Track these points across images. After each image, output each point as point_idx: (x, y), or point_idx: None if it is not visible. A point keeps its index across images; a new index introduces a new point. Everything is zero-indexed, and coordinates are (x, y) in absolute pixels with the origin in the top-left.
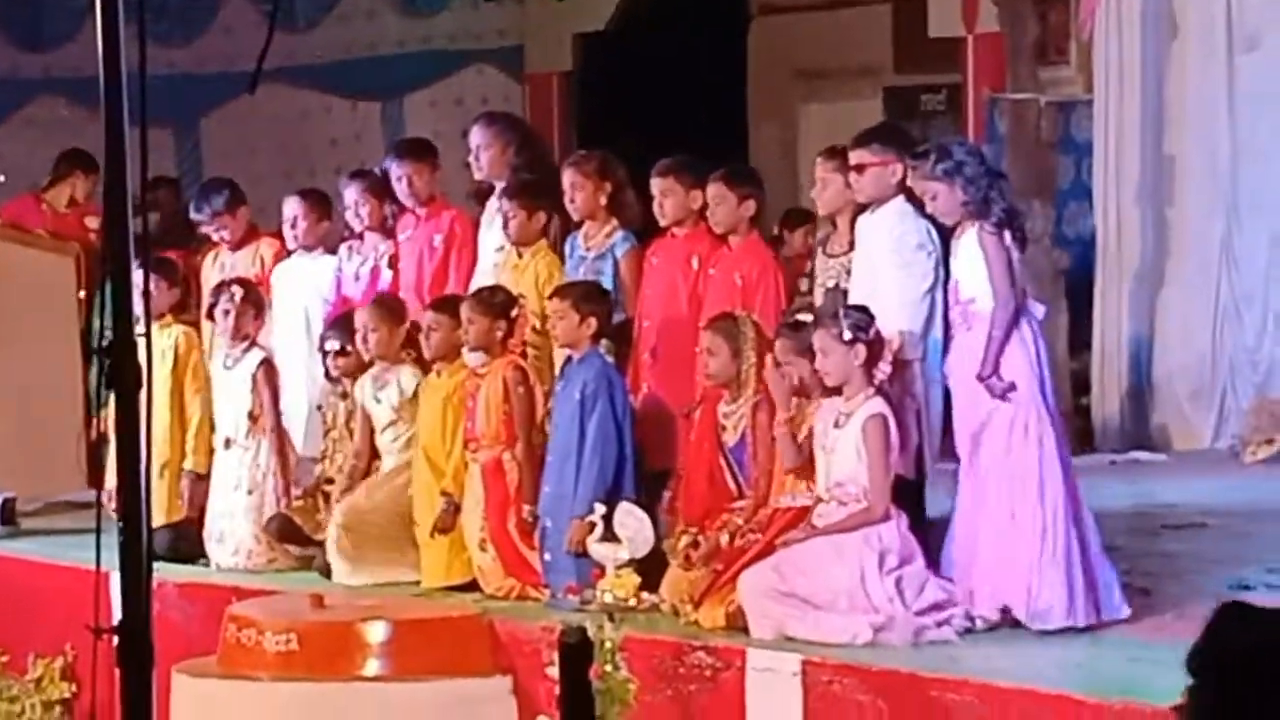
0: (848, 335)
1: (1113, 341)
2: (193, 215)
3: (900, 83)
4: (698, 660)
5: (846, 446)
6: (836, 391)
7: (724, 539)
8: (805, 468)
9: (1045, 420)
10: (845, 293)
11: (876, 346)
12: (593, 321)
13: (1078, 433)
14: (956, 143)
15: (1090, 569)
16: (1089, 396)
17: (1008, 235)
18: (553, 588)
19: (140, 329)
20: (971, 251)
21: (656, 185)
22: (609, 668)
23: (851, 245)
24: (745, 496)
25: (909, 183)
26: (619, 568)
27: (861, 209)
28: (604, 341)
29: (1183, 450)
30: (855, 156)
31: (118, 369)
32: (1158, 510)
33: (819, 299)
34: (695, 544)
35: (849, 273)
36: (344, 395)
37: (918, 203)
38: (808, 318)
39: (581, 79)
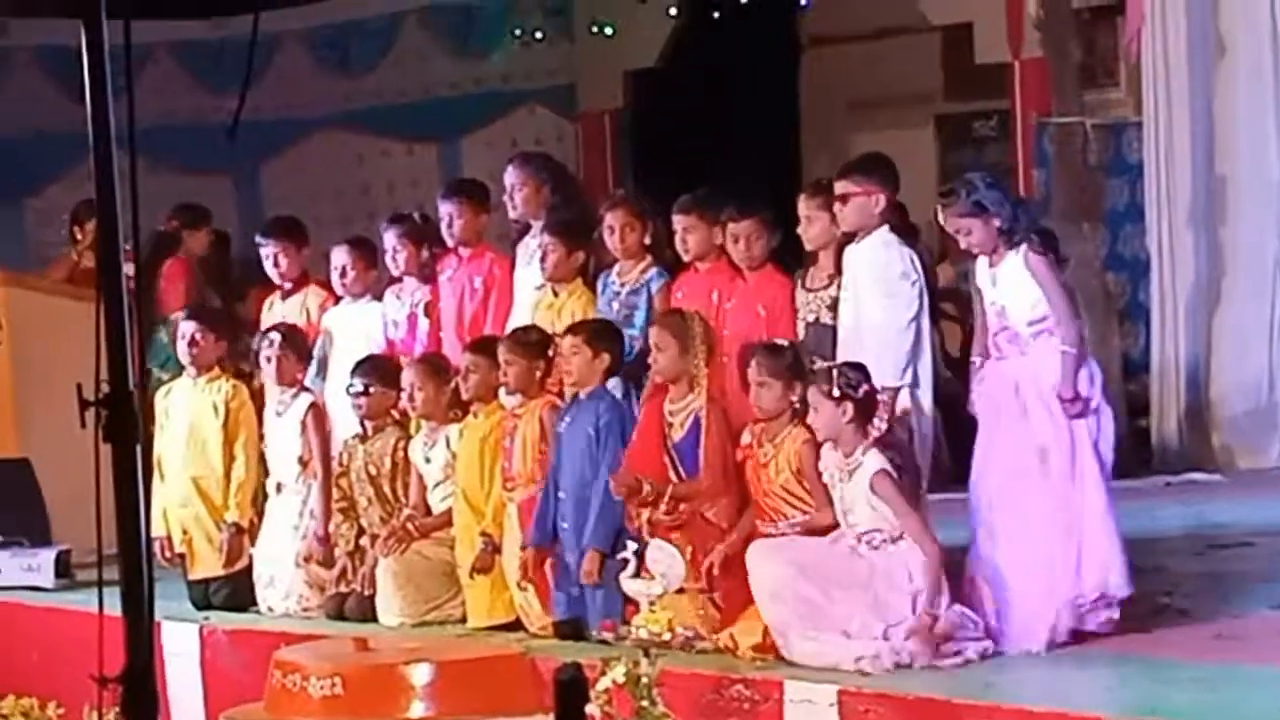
0: (836, 392)
1: (1170, 362)
2: (257, 239)
3: (951, 110)
4: (736, 693)
5: (858, 501)
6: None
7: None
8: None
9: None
10: (827, 327)
11: (868, 403)
12: (606, 358)
13: (1136, 455)
14: (977, 176)
15: None
16: (1146, 419)
17: (1051, 255)
18: (589, 625)
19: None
20: (1017, 276)
21: (679, 221)
22: (645, 703)
23: (831, 279)
24: None
25: (943, 223)
26: (652, 603)
27: (847, 240)
28: (613, 380)
29: (1242, 470)
30: (839, 187)
31: (114, 421)
32: (1207, 531)
33: (801, 334)
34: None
35: (829, 307)
36: (362, 439)
37: (900, 232)
38: (785, 342)
39: (633, 116)
